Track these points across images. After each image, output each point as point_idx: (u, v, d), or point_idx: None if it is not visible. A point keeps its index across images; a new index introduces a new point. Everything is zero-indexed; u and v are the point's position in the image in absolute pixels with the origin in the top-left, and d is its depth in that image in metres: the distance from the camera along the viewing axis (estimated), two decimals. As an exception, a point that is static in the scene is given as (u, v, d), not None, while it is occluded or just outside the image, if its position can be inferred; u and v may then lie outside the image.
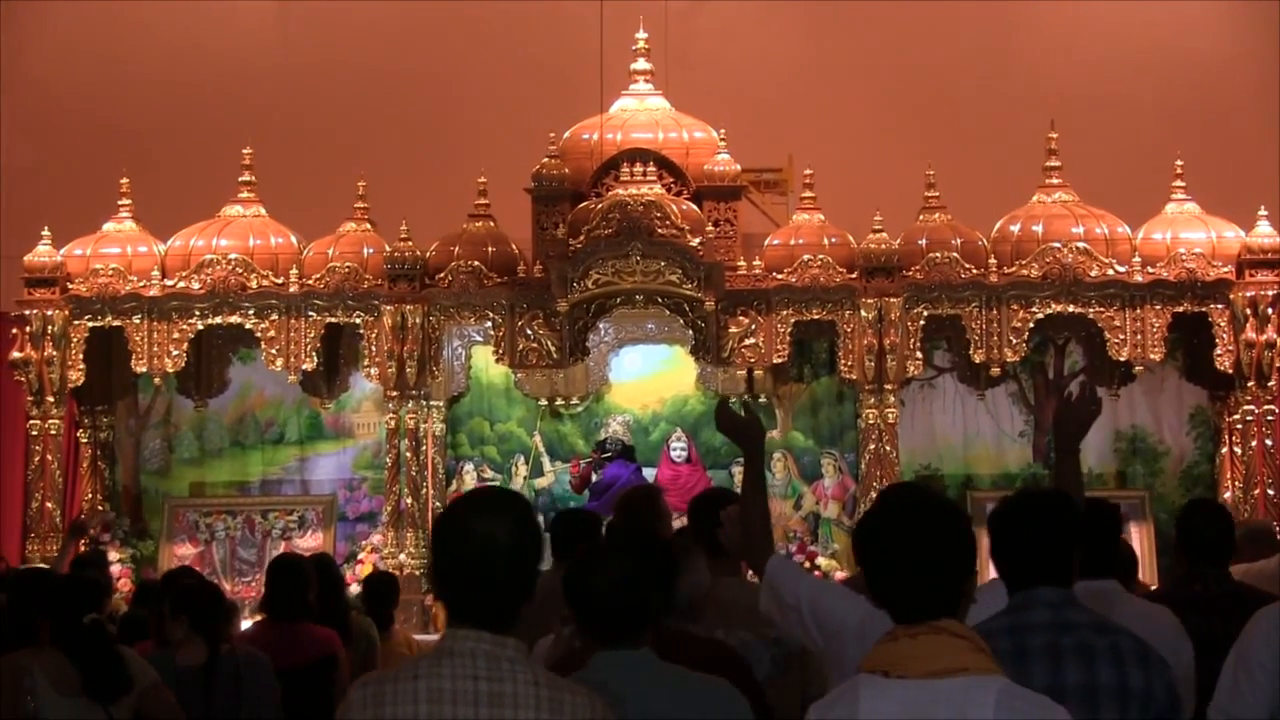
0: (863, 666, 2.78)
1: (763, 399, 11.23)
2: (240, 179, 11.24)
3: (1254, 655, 3.63)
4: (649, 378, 11.42)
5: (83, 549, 10.24)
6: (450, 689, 2.69)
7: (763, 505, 4.10)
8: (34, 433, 10.85)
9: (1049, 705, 2.77)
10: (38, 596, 4.89)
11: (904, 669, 2.72)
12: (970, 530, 2.88)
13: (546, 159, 10.69)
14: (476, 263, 10.62)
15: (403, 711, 2.70)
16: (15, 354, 10.79)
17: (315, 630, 5.89)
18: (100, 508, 11.16)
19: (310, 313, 10.72)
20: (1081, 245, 10.48)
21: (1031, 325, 10.51)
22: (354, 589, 8.95)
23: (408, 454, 10.67)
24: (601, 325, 10.82)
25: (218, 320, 10.79)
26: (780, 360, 10.60)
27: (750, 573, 4.33)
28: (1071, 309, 10.51)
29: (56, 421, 10.84)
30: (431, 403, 10.92)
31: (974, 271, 10.49)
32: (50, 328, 10.74)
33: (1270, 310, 10.41)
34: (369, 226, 11.01)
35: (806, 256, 10.51)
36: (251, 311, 10.72)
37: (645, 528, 4.92)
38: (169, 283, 10.76)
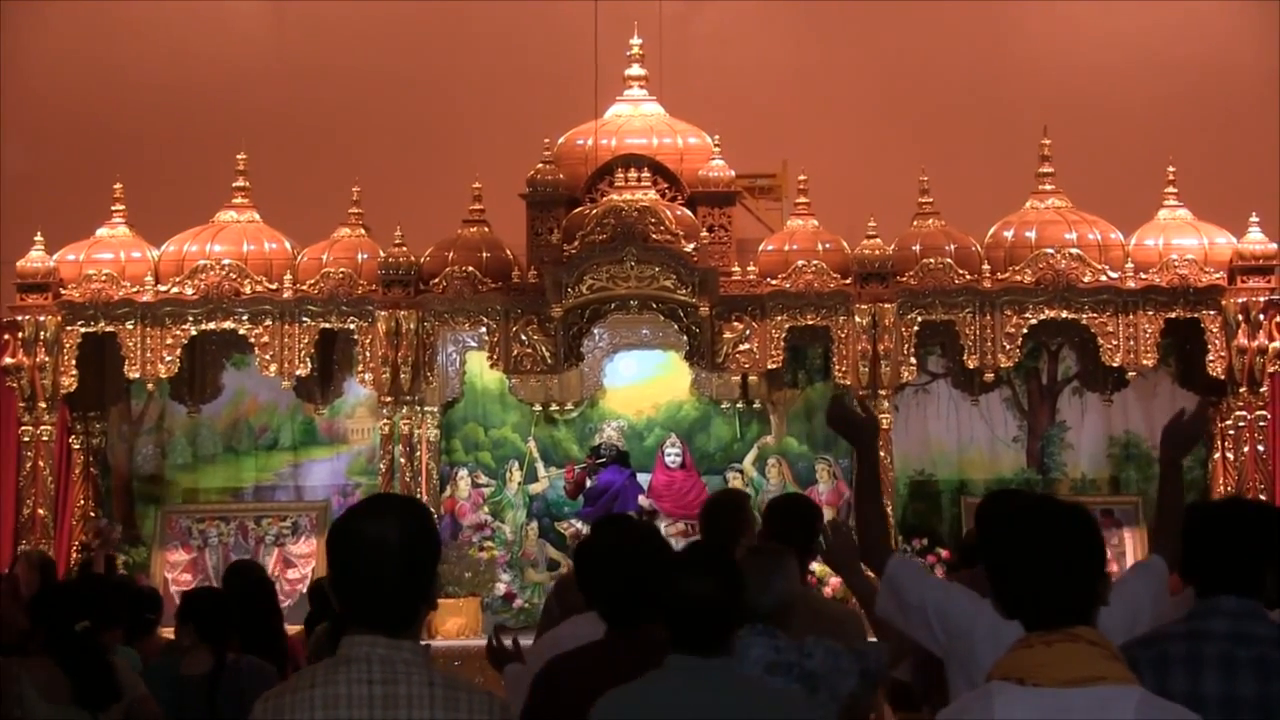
0: (994, 674, 2.74)
1: (757, 404, 11.25)
2: (234, 184, 11.22)
3: None
4: (643, 383, 11.42)
5: (90, 554, 10.25)
6: (345, 694, 2.72)
7: (879, 503, 4.08)
8: (26, 439, 10.81)
9: (1190, 717, 2.72)
10: (35, 605, 4.88)
11: (1039, 677, 2.67)
12: (1102, 535, 2.86)
13: (541, 164, 10.69)
14: (471, 268, 10.61)
15: (301, 718, 2.73)
16: (8, 359, 10.76)
17: None
18: (92, 514, 11.13)
19: (304, 318, 10.70)
20: (1074, 251, 10.50)
21: (1025, 331, 10.53)
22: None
23: (402, 460, 10.65)
24: (596, 331, 10.82)
25: (211, 326, 10.76)
26: (774, 366, 10.61)
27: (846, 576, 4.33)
28: (1065, 315, 10.53)
29: (49, 427, 10.81)
30: (426, 408, 10.91)
31: (967, 277, 10.51)
32: (43, 333, 10.71)
33: (1262, 316, 10.45)
34: (363, 232, 11.00)
35: (801, 262, 10.52)
36: (245, 317, 10.71)
37: (731, 535, 4.89)
38: (162, 288, 10.73)
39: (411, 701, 2.71)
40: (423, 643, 2.84)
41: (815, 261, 10.52)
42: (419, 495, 10.69)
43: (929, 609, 3.72)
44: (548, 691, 3.78)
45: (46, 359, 10.71)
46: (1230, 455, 10.65)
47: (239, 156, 11.24)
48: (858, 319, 10.41)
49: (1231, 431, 10.60)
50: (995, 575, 2.84)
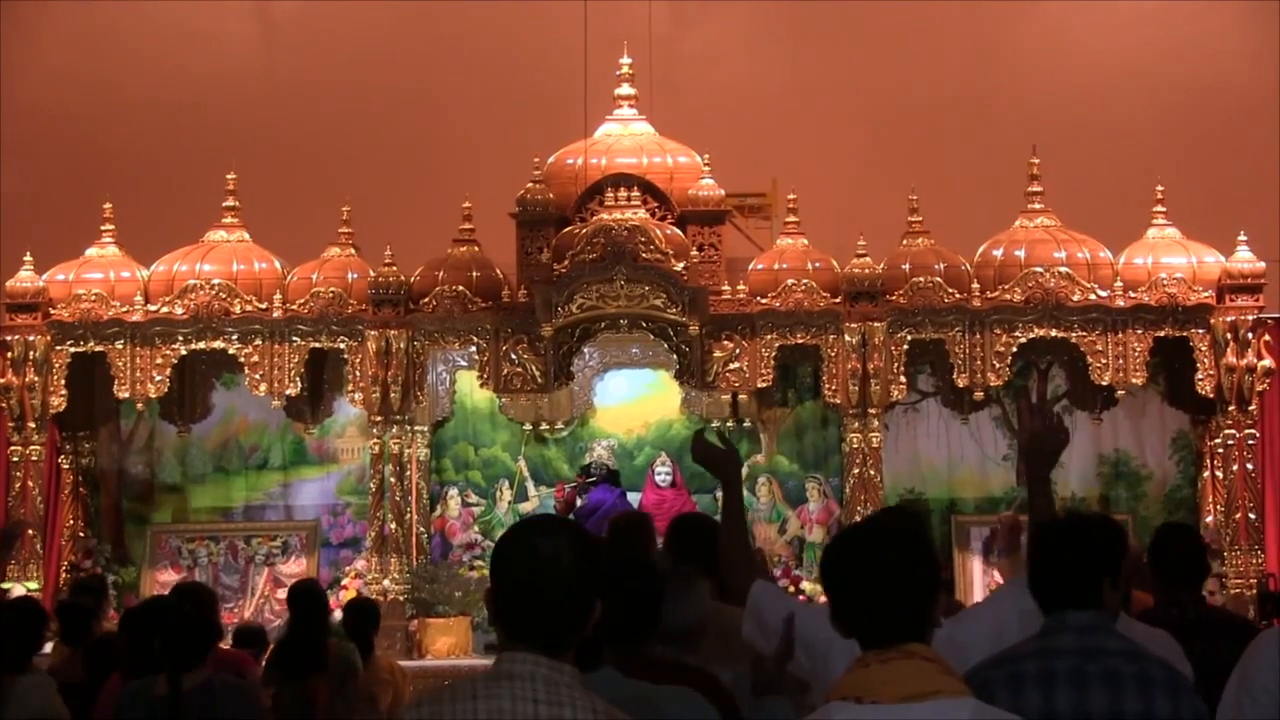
0: (833, 694, 2.79)
1: (747, 423, 11.25)
2: (224, 204, 11.23)
3: (1258, 679, 3.63)
4: (633, 402, 11.43)
5: (80, 575, 10.21)
6: (510, 710, 2.67)
7: (740, 534, 4.10)
8: (15, 458, 10.80)
9: None
10: None
11: (876, 694, 2.73)
12: (933, 553, 2.91)
13: (531, 184, 10.71)
14: (461, 288, 10.62)
15: None
16: (-3, 379, 10.76)
17: None
18: (82, 534, 11.11)
19: (294, 338, 10.70)
20: (1064, 270, 10.53)
21: (1014, 349, 10.56)
22: (337, 615, 8.91)
23: (392, 479, 10.64)
24: (586, 350, 10.82)
25: (201, 345, 10.76)
26: (764, 385, 10.61)
27: None
28: (1054, 333, 10.56)
29: (38, 447, 10.79)
30: (416, 428, 10.90)
31: (957, 296, 10.53)
32: (32, 353, 10.70)
33: (1250, 335, 10.47)
34: (353, 251, 11.00)
35: (790, 281, 10.53)
36: (235, 337, 10.70)
37: (637, 553, 4.90)
38: (152, 308, 10.73)
39: None
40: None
41: (805, 280, 10.53)
42: (409, 514, 10.69)
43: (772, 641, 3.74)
44: None
45: (36, 379, 10.70)
46: (1219, 474, 10.66)
47: (229, 176, 11.25)
48: (847, 338, 10.42)
49: (1220, 450, 10.62)
50: (831, 597, 2.91)
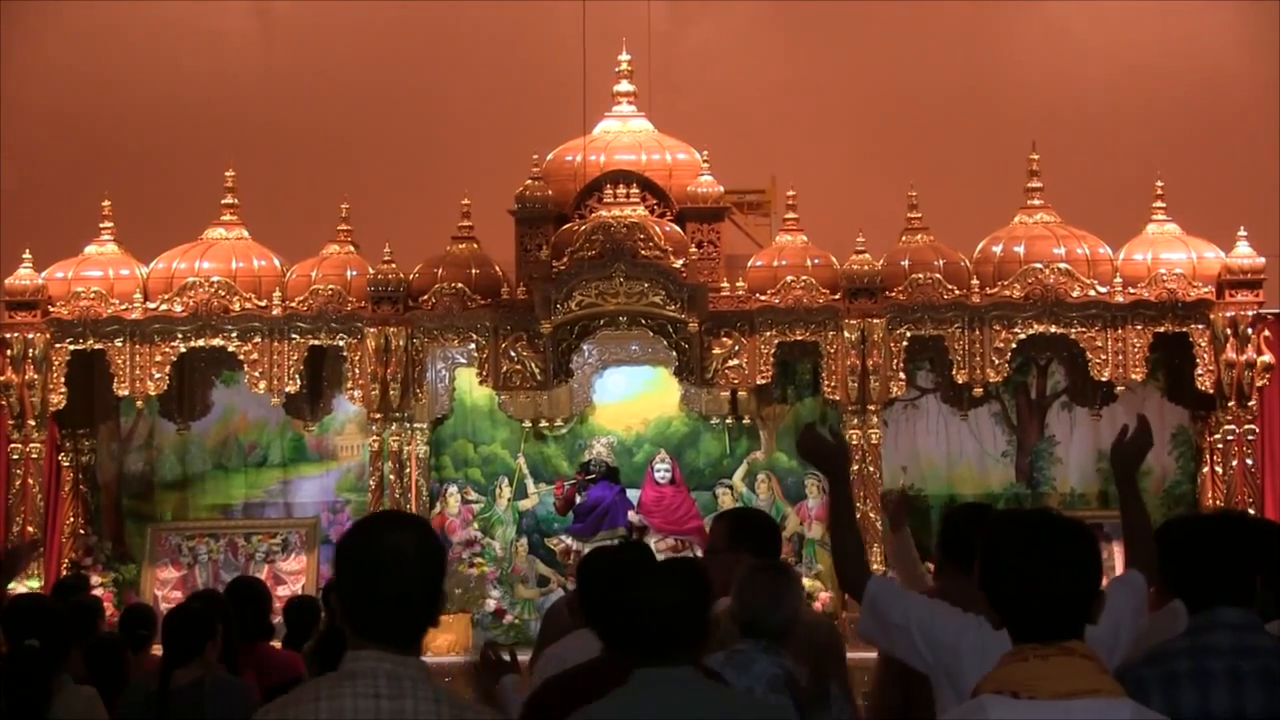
0: (986, 687, 2.75)
1: (746, 420, 11.24)
2: (223, 201, 11.22)
3: None
4: (633, 399, 11.42)
5: (81, 572, 10.22)
6: (351, 708, 2.68)
7: (855, 530, 4.07)
8: (15, 456, 10.80)
9: None
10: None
11: (1034, 690, 2.68)
12: (1100, 552, 2.88)
13: (529, 181, 10.70)
14: (460, 285, 10.61)
15: None
16: (-4, 377, 10.76)
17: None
18: (82, 531, 11.11)
19: (293, 335, 10.70)
20: (1063, 266, 10.52)
21: (1014, 346, 10.55)
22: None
23: (391, 477, 10.64)
24: (585, 347, 10.82)
25: (200, 343, 10.76)
26: (764, 381, 10.61)
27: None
28: (1053, 329, 10.55)
29: (38, 445, 10.79)
30: (415, 425, 10.90)
31: (956, 292, 10.52)
32: (31, 351, 10.70)
33: (1250, 330, 10.46)
34: (352, 249, 11.00)
35: (790, 278, 10.53)
36: (234, 334, 10.71)
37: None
38: (151, 305, 10.73)
39: (418, 717, 2.69)
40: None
41: (804, 277, 10.53)
42: (409, 512, 10.68)
43: (913, 627, 3.73)
44: (541, 711, 3.75)
45: (35, 376, 10.70)
46: (1219, 469, 10.66)
47: (228, 173, 11.25)
48: (847, 334, 10.42)
49: (1220, 445, 10.62)
50: (992, 586, 2.85)
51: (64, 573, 10.88)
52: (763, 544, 4.77)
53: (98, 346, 10.75)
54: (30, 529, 10.75)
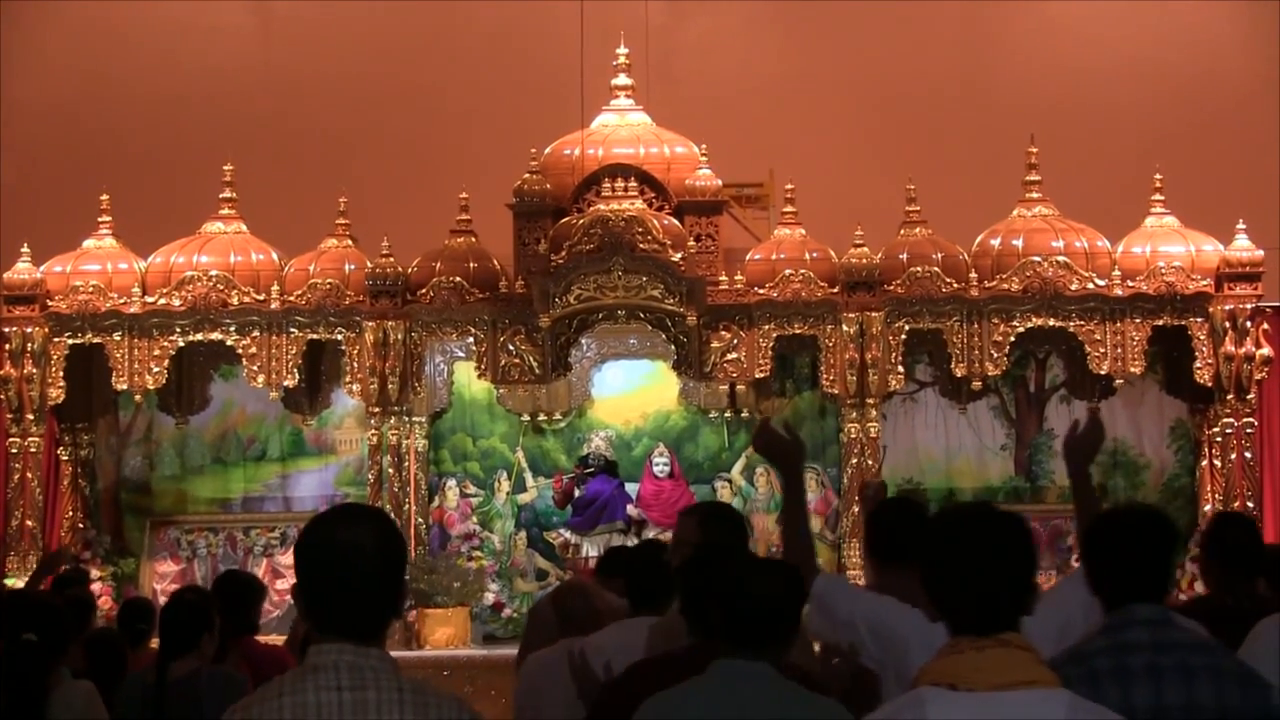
0: (924, 679, 2.76)
1: (745, 414, 11.24)
2: (221, 195, 11.22)
3: (1260, 668, 3.63)
4: (631, 393, 11.42)
5: (80, 566, 10.22)
6: (314, 701, 2.70)
7: (803, 527, 4.08)
8: (14, 450, 10.81)
9: (1115, 718, 2.77)
10: None
11: (972, 681, 2.70)
12: (1035, 544, 2.89)
13: (528, 174, 10.70)
14: (458, 279, 10.61)
15: None
16: (-5, 371, 10.77)
17: None
18: (80, 525, 11.12)
19: (292, 329, 10.70)
20: (1061, 259, 10.52)
21: (1012, 339, 10.55)
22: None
23: (390, 470, 10.65)
24: (583, 340, 10.81)
25: (199, 337, 10.77)
26: (762, 375, 10.62)
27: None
28: (1052, 323, 10.56)
29: (36, 439, 10.80)
30: (414, 419, 10.90)
31: (955, 286, 10.52)
32: (30, 345, 10.71)
33: (1249, 323, 10.46)
34: (350, 243, 11.00)
35: (788, 271, 10.53)
36: (233, 328, 10.71)
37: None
38: (149, 300, 10.73)
39: (381, 706, 2.70)
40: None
41: (803, 270, 10.53)
42: (407, 506, 10.71)
43: (859, 622, 3.75)
44: (625, 698, 3.72)
45: (34, 370, 10.71)
46: (1218, 463, 10.66)
47: (226, 167, 11.24)
48: (845, 328, 10.42)
49: (1219, 439, 10.62)
50: (930, 579, 2.87)
51: (63, 567, 10.88)
52: (735, 538, 4.76)
53: (96, 340, 10.75)
54: (29, 523, 10.76)
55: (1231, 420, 10.53)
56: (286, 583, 10.85)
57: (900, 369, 10.54)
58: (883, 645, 3.71)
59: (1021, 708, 2.67)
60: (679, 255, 10.37)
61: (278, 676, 2.83)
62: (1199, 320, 10.51)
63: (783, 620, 3.35)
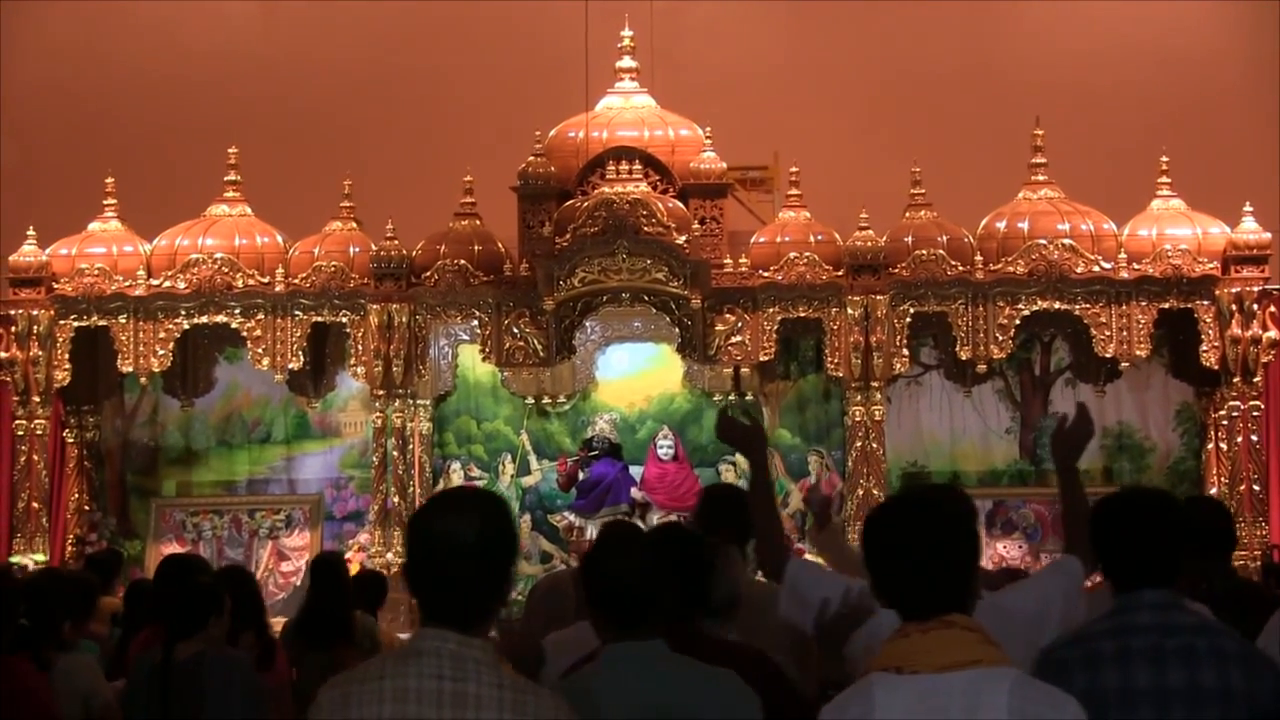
0: (874, 665, 2.79)
1: (750, 397, 11.23)
2: (226, 179, 11.23)
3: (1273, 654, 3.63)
4: (635, 376, 11.41)
5: (87, 549, 10.26)
6: (415, 688, 2.69)
7: (770, 511, 4.08)
8: (20, 433, 10.84)
9: (1060, 697, 2.77)
10: None
11: (916, 664, 2.72)
12: (974, 523, 2.91)
13: (532, 157, 10.69)
14: (463, 261, 10.61)
15: (368, 712, 2.69)
16: (1, 354, 10.79)
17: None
18: (86, 508, 11.15)
19: (296, 312, 10.71)
20: (1067, 242, 10.49)
21: (1018, 322, 10.53)
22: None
23: (395, 453, 10.66)
24: (588, 323, 10.81)
25: (204, 320, 10.79)
26: (767, 358, 10.61)
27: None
28: (1057, 305, 10.53)
29: (42, 421, 10.83)
30: (418, 401, 10.91)
31: (960, 268, 10.50)
32: (36, 327, 10.73)
33: (1255, 306, 10.43)
34: (355, 226, 11.00)
35: (793, 254, 10.51)
36: (237, 311, 10.72)
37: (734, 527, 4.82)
38: (154, 282, 10.75)
39: (480, 702, 2.68)
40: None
41: (807, 253, 10.51)
42: (412, 488, 10.71)
43: (832, 604, 3.75)
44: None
45: (40, 353, 10.73)
46: (1224, 446, 10.64)
47: (230, 150, 11.25)
48: (850, 311, 10.40)
49: (1225, 422, 10.60)
50: (872, 566, 2.88)
51: (68, 549, 10.93)
52: (735, 520, 4.76)
53: (102, 323, 10.77)
54: (35, 505, 10.80)
55: (1238, 403, 10.50)
56: (291, 565, 10.89)
57: (905, 352, 10.52)
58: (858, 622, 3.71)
59: (964, 686, 2.68)
60: (683, 238, 10.36)
61: (380, 656, 2.81)
62: (1205, 303, 10.48)
63: (651, 596, 3.23)
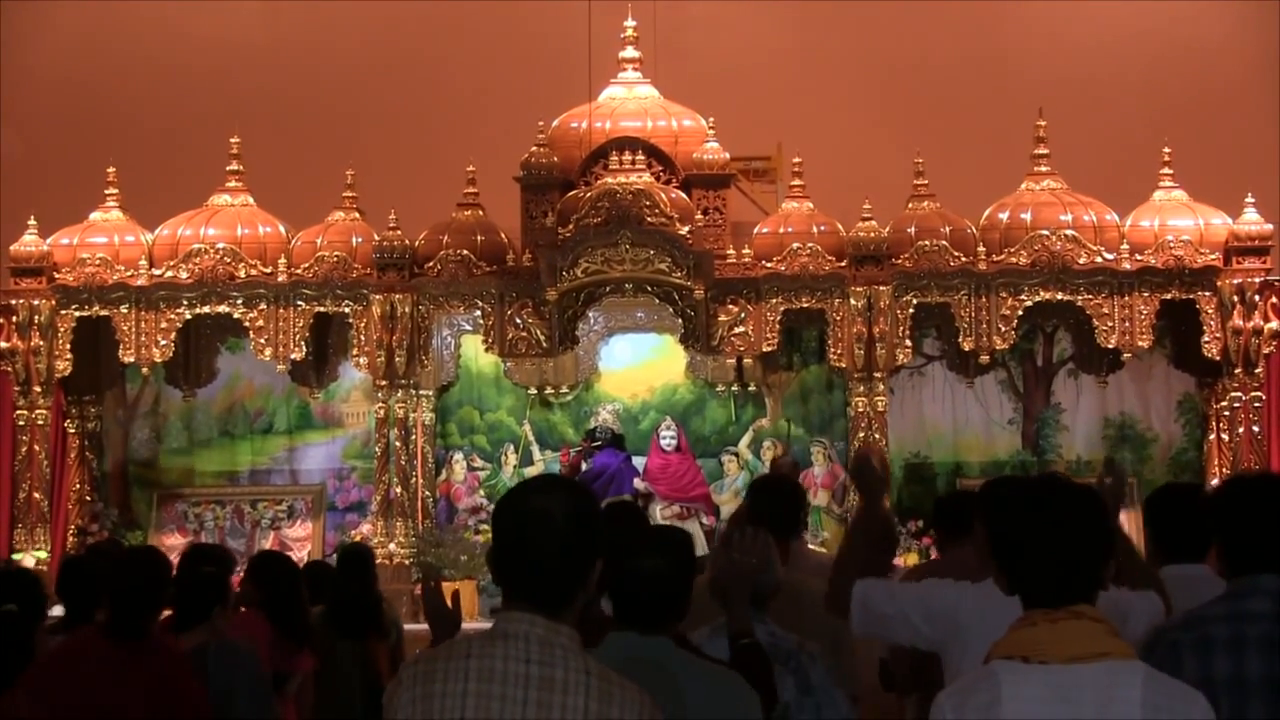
0: (997, 653, 2.75)
1: (752, 388, 11.24)
2: (228, 168, 11.21)
3: None
4: (638, 366, 11.42)
5: (88, 540, 10.23)
6: (501, 669, 2.68)
7: (862, 550, 4.06)
8: (21, 423, 10.82)
9: (1191, 693, 2.74)
10: None
11: (1045, 654, 2.69)
12: (1109, 518, 2.89)
13: (535, 148, 10.67)
14: (465, 252, 10.60)
15: (451, 688, 2.68)
16: (2, 343, 10.77)
17: None
18: (88, 498, 11.14)
19: (299, 302, 10.70)
20: (1070, 233, 10.50)
21: (1020, 313, 10.54)
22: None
23: (397, 443, 10.65)
24: (591, 314, 10.81)
25: (206, 310, 10.77)
26: (770, 348, 10.60)
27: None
28: (1060, 296, 10.53)
29: (44, 411, 10.81)
30: (421, 392, 10.91)
31: (963, 259, 10.50)
32: (37, 317, 10.71)
33: (1257, 297, 10.44)
34: (357, 215, 10.99)
35: (796, 245, 10.51)
36: (240, 301, 10.71)
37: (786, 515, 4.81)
38: (156, 272, 10.73)
39: (567, 687, 2.66)
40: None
41: (810, 244, 10.51)
42: (414, 479, 10.71)
43: (909, 610, 3.73)
44: None
45: (41, 343, 10.71)
46: (1225, 436, 10.65)
47: (233, 140, 11.23)
48: (853, 301, 10.40)
49: (1227, 413, 10.61)
50: (1002, 553, 2.86)
51: (70, 540, 10.92)
52: (783, 509, 4.76)
53: (103, 313, 10.75)
54: (37, 496, 10.78)
55: (1239, 394, 10.51)
56: (294, 555, 10.84)
57: (908, 343, 10.53)
58: (934, 624, 3.69)
59: (1095, 679, 2.66)
60: (686, 229, 10.35)
61: (465, 636, 2.81)
62: (1207, 294, 10.49)
63: (671, 600, 3.31)
